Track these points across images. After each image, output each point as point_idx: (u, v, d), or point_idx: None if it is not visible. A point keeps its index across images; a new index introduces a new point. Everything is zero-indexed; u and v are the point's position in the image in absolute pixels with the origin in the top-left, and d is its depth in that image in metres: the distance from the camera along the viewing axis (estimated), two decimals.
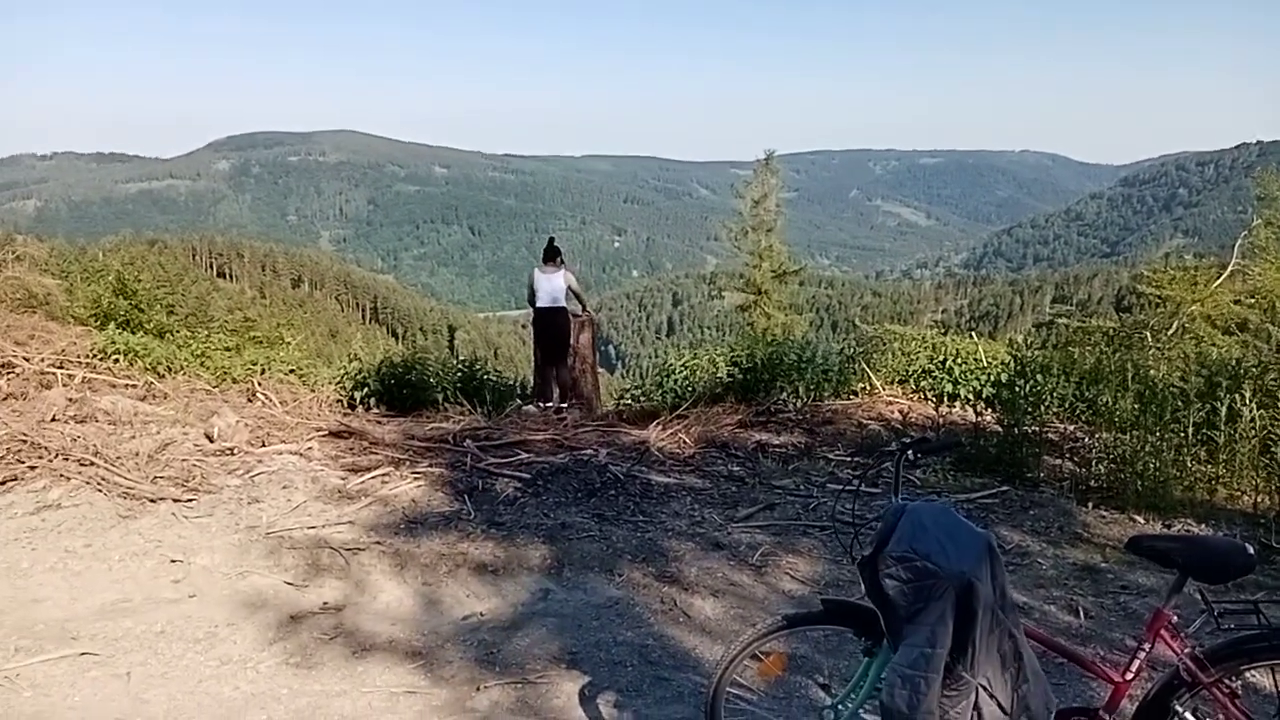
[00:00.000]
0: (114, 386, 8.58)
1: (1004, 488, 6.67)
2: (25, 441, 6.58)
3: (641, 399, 10.96)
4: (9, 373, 8.32)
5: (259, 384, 9.47)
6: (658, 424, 8.47)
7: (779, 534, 5.86)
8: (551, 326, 10.51)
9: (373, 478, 6.70)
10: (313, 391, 9.80)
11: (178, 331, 11.78)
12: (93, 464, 6.36)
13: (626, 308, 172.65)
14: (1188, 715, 2.46)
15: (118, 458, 6.54)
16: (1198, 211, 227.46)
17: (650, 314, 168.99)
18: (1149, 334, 13.12)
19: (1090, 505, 6.32)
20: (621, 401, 11.62)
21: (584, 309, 11.15)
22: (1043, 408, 7.48)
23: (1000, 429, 7.62)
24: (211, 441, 7.22)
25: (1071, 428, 8.05)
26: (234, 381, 9.55)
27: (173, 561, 5.18)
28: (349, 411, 9.47)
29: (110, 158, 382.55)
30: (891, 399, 9.70)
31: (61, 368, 8.69)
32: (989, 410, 8.79)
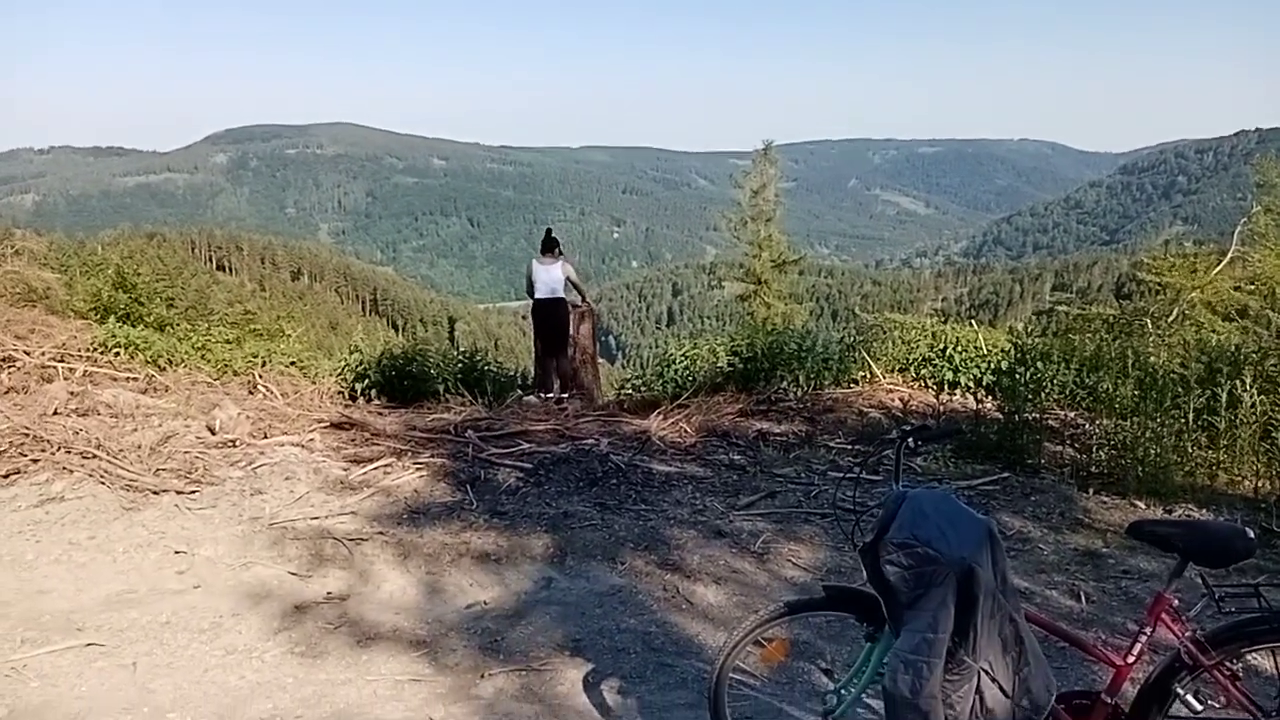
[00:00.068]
0: (115, 380, 8.58)
1: (1005, 474, 6.69)
2: (28, 435, 6.59)
3: (642, 389, 10.96)
4: (10, 367, 8.32)
5: (260, 376, 9.47)
6: (659, 413, 8.48)
7: (780, 522, 5.87)
8: (550, 318, 10.52)
9: (375, 468, 6.72)
10: (314, 383, 9.81)
11: (178, 325, 11.76)
12: (95, 457, 6.37)
13: (626, 298, 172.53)
14: (1189, 698, 2.48)
15: (120, 450, 6.55)
16: (1197, 199, 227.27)
17: (650, 304, 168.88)
18: (1149, 321, 13.11)
19: (1091, 491, 6.34)
20: (622, 391, 11.62)
21: (583, 300, 11.16)
22: (1043, 395, 7.49)
23: (1001, 416, 7.63)
24: (213, 434, 7.23)
25: (1072, 414, 8.06)
26: (235, 374, 9.56)
27: (177, 553, 5.20)
28: (350, 403, 9.49)
29: (107, 151, 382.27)
30: (892, 387, 9.71)
31: (62, 361, 8.69)
32: (990, 398, 8.80)
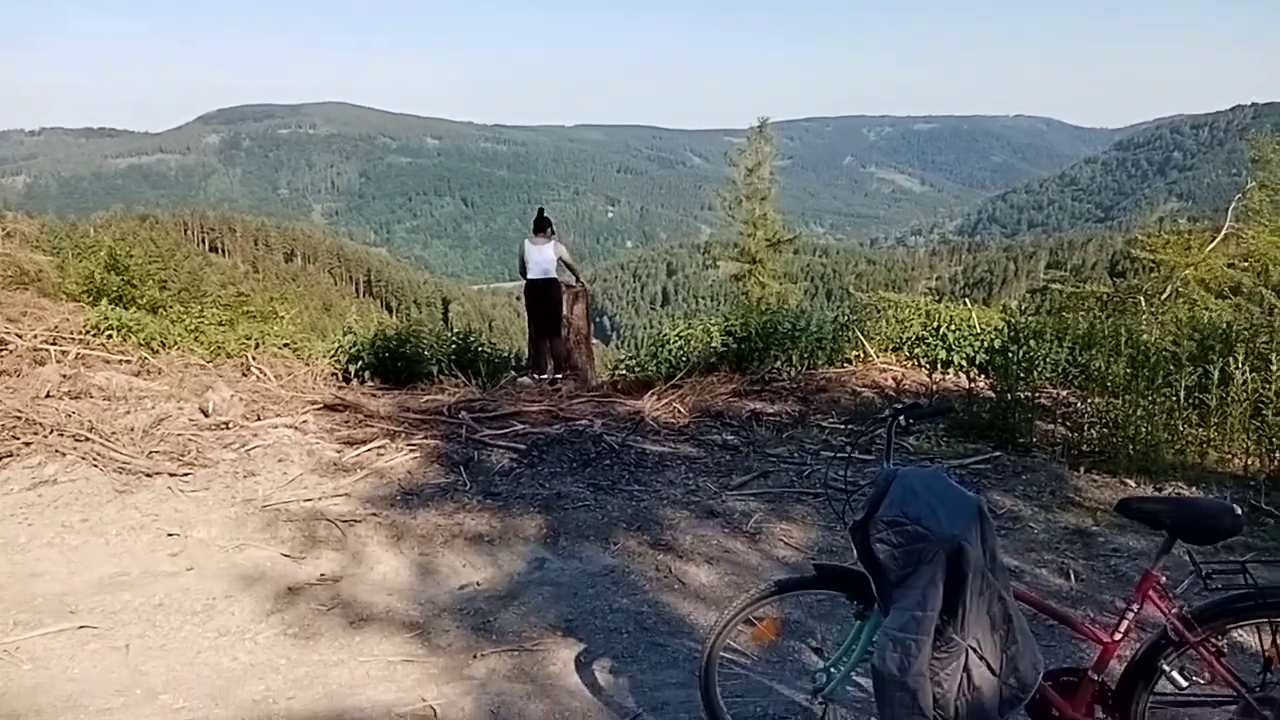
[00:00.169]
0: (108, 362, 8.56)
1: (997, 453, 6.70)
2: (20, 418, 6.57)
3: (636, 369, 10.97)
4: (2, 350, 8.29)
5: (253, 358, 9.46)
6: (652, 394, 8.48)
7: (773, 501, 5.89)
8: (543, 298, 10.50)
9: (368, 450, 6.72)
10: (307, 365, 9.81)
11: (171, 307, 11.74)
12: (88, 439, 6.36)
13: (621, 278, 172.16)
14: (1174, 674, 2.49)
15: (113, 433, 6.54)
16: (1192, 175, 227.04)
17: (645, 284, 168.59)
18: (1142, 299, 13.13)
19: (1082, 470, 6.36)
20: (616, 372, 11.63)
21: (577, 280, 11.13)
22: (1036, 373, 7.49)
23: (993, 395, 7.65)
24: (206, 416, 7.22)
25: (1064, 393, 8.07)
26: (228, 356, 9.54)
27: (170, 535, 5.21)
28: (344, 385, 9.48)
29: (99, 133, 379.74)
30: (885, 366, 9.72)
31: (55, 344, 8.66)
32: (982, 376, 8.81)
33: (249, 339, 9.96)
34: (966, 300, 12.46)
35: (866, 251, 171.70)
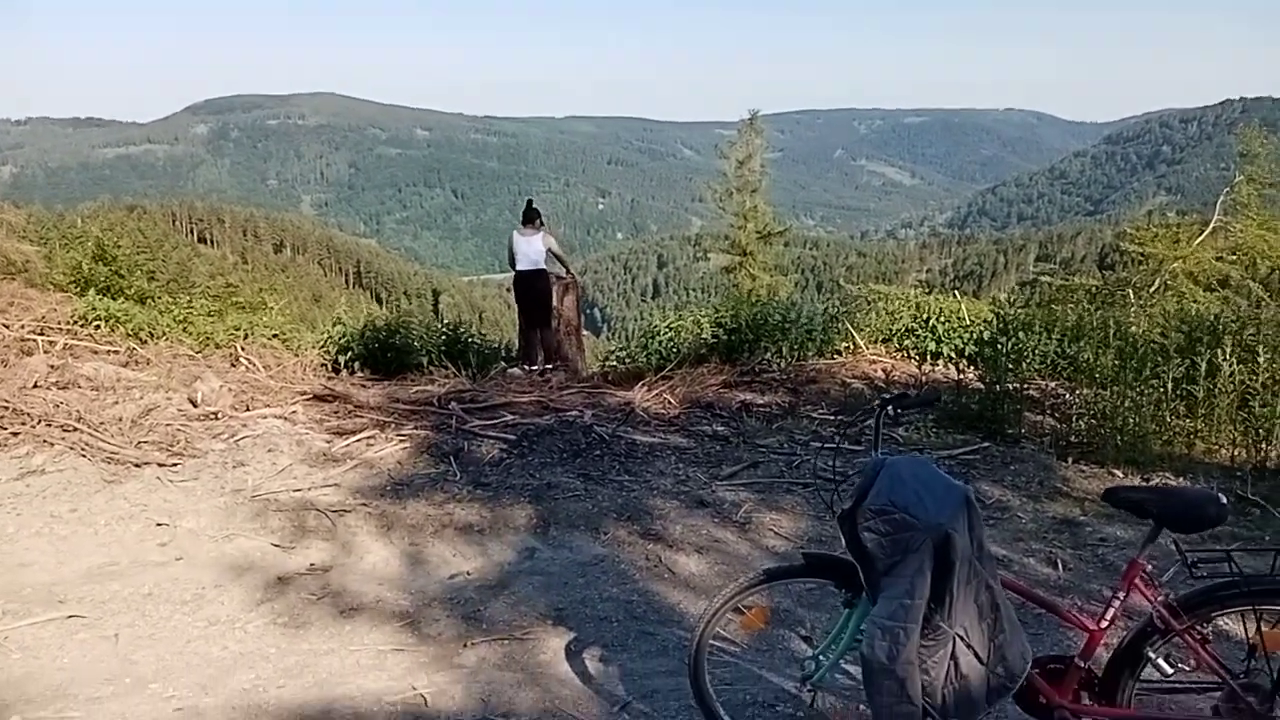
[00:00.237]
0: (95, 353, 8.53)
1: (985, 444, 6.73)
2: (7, 408, 6.55)
3: (627, 361, 10.97)
4: None
5: (242, 349, 9.43)
6: (643, 385, 8.49)
7: (762, 491, 5.91)
8: (532, 290, 10.49)
9: (358, 440, 6.71)
10: (296, 356, 9.78)
11: (159, 297, 11.69)
12: (76, 430, 6.34)
13: (611, 270, 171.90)
14: (1160, 661, 2.51)
15: (101, 423, 6.52)
16: (1181, 169, 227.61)
17: (635, 276, 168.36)
18: (1131, 291, 13.18)
19: (1070, 460, 6.39)
20: (607, 364, 11.64)
21: (567, 271, 11.13)
22: (1024, 365, 7.53)
23: (982, 386, 7.68)
24: (195, 406, 7.20)
25: (1053, 384, 8.12)
26: (217, 347, 9.51)
27: (159, 525, 5.20)
28: (333, 375, 9.46)
29: (86, 122, 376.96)
30: (875, 358, 9.75)
31: (42, 334, 8.63)
32: (971, 368, 8.85)
33: (238, 329, 9.93)
34: (956, 292, 12.51)
35: (857, 244, 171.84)
